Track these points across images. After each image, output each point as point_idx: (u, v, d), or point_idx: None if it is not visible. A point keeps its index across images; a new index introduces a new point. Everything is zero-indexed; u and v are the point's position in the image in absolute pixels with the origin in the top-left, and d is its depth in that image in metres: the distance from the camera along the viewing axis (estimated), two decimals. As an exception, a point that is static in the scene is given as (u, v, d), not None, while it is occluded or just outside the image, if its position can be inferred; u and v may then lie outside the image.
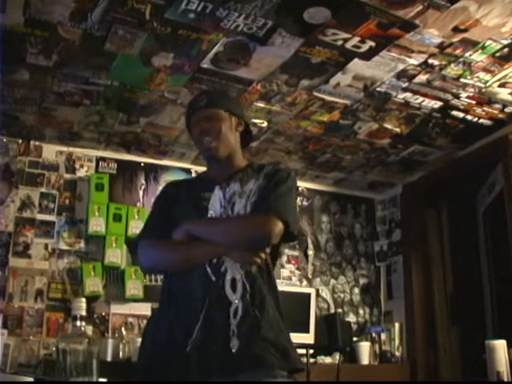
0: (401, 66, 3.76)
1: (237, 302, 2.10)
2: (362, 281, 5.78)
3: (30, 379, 2.05)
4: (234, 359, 2.01)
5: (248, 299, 2.11)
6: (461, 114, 4.37)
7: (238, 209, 2.27)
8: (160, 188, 4.96)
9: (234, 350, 2.02)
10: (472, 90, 4.03)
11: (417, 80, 3.92)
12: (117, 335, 4.59)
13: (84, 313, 1.88)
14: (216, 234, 2.20)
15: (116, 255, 4.75)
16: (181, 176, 5.22)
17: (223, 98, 2.63)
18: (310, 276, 5.53)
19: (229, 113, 2.45)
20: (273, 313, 2.16)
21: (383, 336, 5.41)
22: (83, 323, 1.86)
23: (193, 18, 3.21)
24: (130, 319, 4.72)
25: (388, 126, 4.56)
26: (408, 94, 4.11)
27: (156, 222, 2.44)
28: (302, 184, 5.69)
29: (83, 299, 1.93)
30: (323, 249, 5.68)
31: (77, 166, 4.96)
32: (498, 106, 4.26)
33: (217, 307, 2.10)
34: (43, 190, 4.78)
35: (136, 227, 4.85)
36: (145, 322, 3.94)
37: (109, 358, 4.31)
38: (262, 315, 2.11)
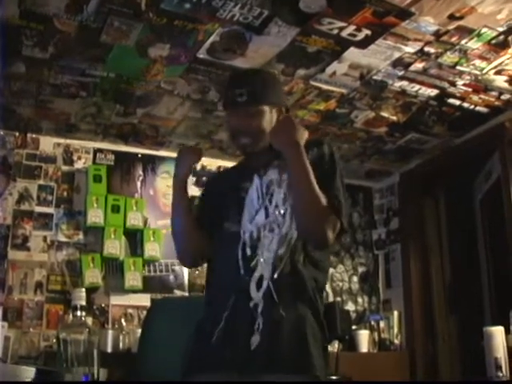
0: (397, 54, 3.76)
1: (258, 298, 2.04)
2: (361, 269, 5.80)
3: (32, 369, 2.06)
4: (251, 357, 1.97)
5: (274, 297, 2.03)
6: (457, 102, 4.38)
7: (276, 200, 2.18)
8: (158, 179, 5.11)
9: (252, 347, 1.98)
10: (468, 77, 4.04)
11: (413, 68, 3.92)
12: (116, 326, 4.60)
13: (84, 303, 1.89)
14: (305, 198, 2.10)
15: (115, 246, 4.75)
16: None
17: (266, 88, 2.29)
18: (308, 265, 5.53)
19: (270, 106, 2.27)
20: (303, 313, 2.07)
21: (382, 324, 5.42)
22: (83, 313, 1.87)
23: (189, 8, 3.21)
24: (130, 310, 4.74)
25: (384, 114, 4.56)
26: (404, 82, 4.11)
27: (199, 211, 2.43)
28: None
29: (83, 289, 1.94)
30: (321, 238, 5.68)
31: (74, 157, 4.96)
32: (494, 93, 4.26)
33: (242, 301, 2.06)
34: (41, 182, 4.79)
35: (134, 218, 4.88)
36: (144, 312, 3.95)
37: (109, 349, 4.33)
38: (288, 315, 2.02)
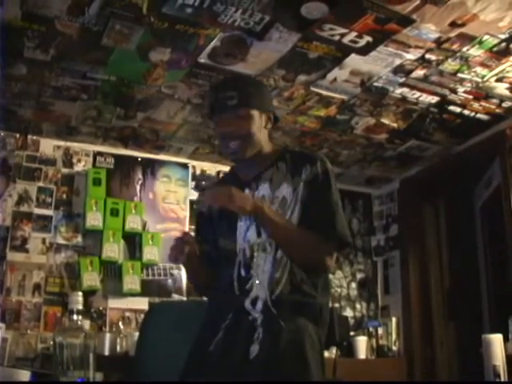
0: (398, 61, 3.76)
1: (257, 314, 2.06)
2: (359, 275, 5.79)
3: (27, 372, 2.06)
4: (249, 366, 1.98)
5: (272, 311, 2.05)
6: (458, 109, 4.38)
7: None
8: (157, 183, 5.11)
9: (251, 357, 1.99)
10: (469, 84, 4.04)
11: (414, 75, 3.92)
12: (114, 329, 4.60)
13: (81, 306, 1.88)
14: (288, 240, 2.14)
15: (113, 250, 4.75)
16: (178, 171, 5.23)
17: (255, 93, 2.26)
18: (307, 271, 5.53)
19: (260, 111, 2.24)
20: (303, 324, 2.08)
21: (380, 330, 5.42)
22: (80, 317, 1.87)
23: (190, 12, 3.22)
24: (128, 313, 4.73)
25: (385, 121, 4.56)
26: (405, 89, 4.11)
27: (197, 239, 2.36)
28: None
29: (80, 293, 1.93)
30: (320, 244, 5.67)
31: (74, 160, 4.96)
32: (495, 100, 4.26)
33: (241, 315, 2.08)
34: (41, 184, 4.79)
35: (133, 222, 4.87)
36: (142, 316, 3.94)
37: (106, 353, 4.33)
38: (288, 326, 2.04)
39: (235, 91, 2.19)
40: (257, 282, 2.10)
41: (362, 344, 5.15)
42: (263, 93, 2.36)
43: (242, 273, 2.12)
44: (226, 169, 5.10)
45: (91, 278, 4.64)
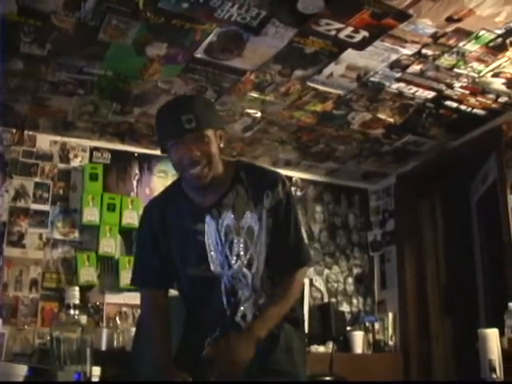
0: (394, 56, 3.76)
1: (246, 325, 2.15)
2: (356, 270, 5.80)
3: (24, 367, 2.06)
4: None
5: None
6: (454, 104, 4.38)
7: (238, 250, 2.17)
8: (154, 178, 5.10)
9: None
10: (465, 79, 4.04)
11: (410, 70, 3.92)
12: (111, 325, 4.60)
13: (77, 301, 1.88)
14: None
15: (110, 245, 4.76)
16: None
17: (210, 112, 2.21)
18: (303, 266, 5.53)
19: (215, 130, 2.17)
20: (289, 330, 2.21)
21: (377, 325, 5.43)
22: (77, 312, 1.87)
23: (186, 7, 3.21)
24: (125, 309, 4.74)
25: (381, 116, 4.57)
26: (401, 84, 4.11)
27: (150, 261, 2.32)
28: (295, 174, 5.70)
29: (76, 287, 1.94)
30: (317, 239, 5.69)
31: (71, 155, 4.96)
32: (491, 95, 4.26)
33: (231, 326, 2.15)
34: (37, 179, 4.78)
35: (130, 217, 4.87)
36: (139, 311, 3.95)
37: (103, 348, 4.33)
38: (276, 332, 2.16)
39: (191, 113, 2.09)
40: (241, 308, 2.17)
41: (358, 339, 5.16)
42: (215, 111, 2.33)
43: (228, 299, 2.17)
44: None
45: (88, 273, 4.64)
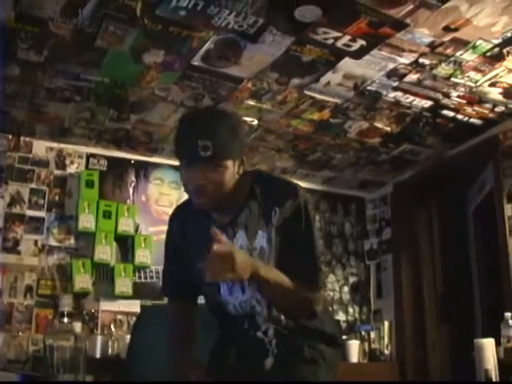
0: (391, 65, 3.76)
1: (270, 339, 2.07)
2: (352, 279, 5.79)
3: (15, 375, 2.05)
4: (264, 375, 2.00)
5: (284, 333, 2.07)
6: (451, 114, 4.39)
7: None
8: (150, 185, 5.10)
9: (266, 368, 2.02)
10: (462, 89, 4.04)
11: (407, 79, 3.93)
12: (106, 332, 4.58)
13: (71, 309, 1.88)
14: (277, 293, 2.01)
15: (105, 252, 4.74)
16: (171, 174, 5.21)
17: (231, 139, 1.98)
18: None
19: (235, 159, 2.00)
20: (309, 343, 2.08)
21: (372, 334, 5.42)
22: (70, 320, 1.86)
23: (184, 15, 3.21)
24: (120, 316, 4.72)
25: (378, 124, 4.57)
26: (398, 93, 4.12)
27: (173, 271, 2.26)
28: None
29: (70, 296, 1.93)
30: (313, 247, 5.67)
31: (67, 162, 4.95)
32: (488, 105, 4.27)
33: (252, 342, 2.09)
34: (33, 185, 4.77)
35: (126, 224, 4.87)
36: (134, 319, 3.94)
37: (98, 355, 4.32)
38: (296, 343, 2.07)
39: (210, 140, 1.90)
40: (260, 318, 2.09)
41: (354, 348, 5.15)
42: (239, 135, 2.05)
43: (243, 321, 2.11)
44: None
45: (83, 280, 4.62)
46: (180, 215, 2.26)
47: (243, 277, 1.87)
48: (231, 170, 1.99)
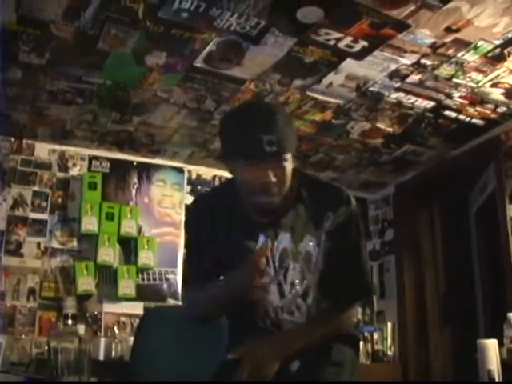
0: (393, 66, 3.76)
1: None
2: (355, 280, 5.78)
3: (19, 378, 2.05)
4: (291, 377, 1.90)
5: None
6: (453, 114, 4.39)
7: (292, 277, 1.95)
8: (153, 187, 5.10)
9: (292, 370, 1.91)
10: (464, 89, 4.04)
11: (409, 80, 3.93)
12: (109, 334, 4.59)
13: (75, 311, 1.88)
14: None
15: (108, 254, 4.75)
16: (173, 175, 5.22)
17: (290, 132, 1.90)
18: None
19: (292, 152, 1.90)
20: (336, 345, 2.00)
21: (375, 335, 5.42)
22: (74, 322, 1.86)
23: (186, 17, 3.21)
24: (123, 318, 4.73)
25: (381, 125, 4.57)
26: (400, 94, 4.12)
27: (199, 260, 2.05)
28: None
29: (74, 297, 1.93)
30: (316, 248, 5.67)
31: (69, 164, 4.96)
32: (490, 105, 4.27)
33: None
34: (36, 188, 4.79)
35: (128, 226, 4.87)
36: (137, 321, 3.94)
37: (101, 357, 4.32)
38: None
39: (273, 134, 1.80)
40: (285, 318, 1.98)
41: (357, 349, 5.14)
42: (293, 128, 1.98)
43: (271, 328, 1.98)
44: (222, 173, 5.18)
45: (86, 282, 4.63)
46: (208, 204, 2.08)
47: (274, 369, 1.83)
48: (291, 166, 1.90)
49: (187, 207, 2.29)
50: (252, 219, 1.97)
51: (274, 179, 1.83)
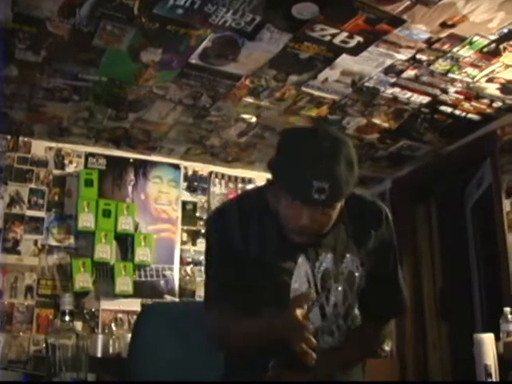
0: (389, 62, 3.77)
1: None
2: (352, 276, 5.79)
3: (18, 374, 2.06)
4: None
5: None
6: (449, 109, 4.39)
7: (335, 298, 1.85)
8: (149, 184, 5.11)
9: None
10: (460, 85, 4.05)
11: (405, 75, 3.93)
12: (107, 331, 4.59)
13: (72, 307, 1.88)
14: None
15: (105, 251, 4.75)
16: (170, 172, 5.23)
17: (349, 179, 1.69)
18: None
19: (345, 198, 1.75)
20: None
21: (373, 331, 5.41)
22: (72, 318, 1.86)
23: (181, 13, 3.21)
24: (120, 315, 4.73)
25: (376, 121, 4.57)
26: (396, 89, 4.12)
27: (229, 281, 1.87)
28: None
29: (71, 294, 1.93)
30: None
31: (66, 161, 4.96)
32: (485, 100, 4.27)
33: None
34: (32, 185, 4.78)
35: (125, 223, 4.88)
36: (135, 317, 3.94)
37: (99, 354, 4.33)
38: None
39: (326, 181, 1.62)
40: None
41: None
42: (355, 170, 1.75)
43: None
44: (218, 169, 5.18)
45: (83, 279, 4.64)
46: (238, 214, 1.89)
47: None
48: (339, 208, 1.75)
49: (210, 217, 2.07)
50: (289, 238, 1.80)
51: (315, 226, 1.72)
